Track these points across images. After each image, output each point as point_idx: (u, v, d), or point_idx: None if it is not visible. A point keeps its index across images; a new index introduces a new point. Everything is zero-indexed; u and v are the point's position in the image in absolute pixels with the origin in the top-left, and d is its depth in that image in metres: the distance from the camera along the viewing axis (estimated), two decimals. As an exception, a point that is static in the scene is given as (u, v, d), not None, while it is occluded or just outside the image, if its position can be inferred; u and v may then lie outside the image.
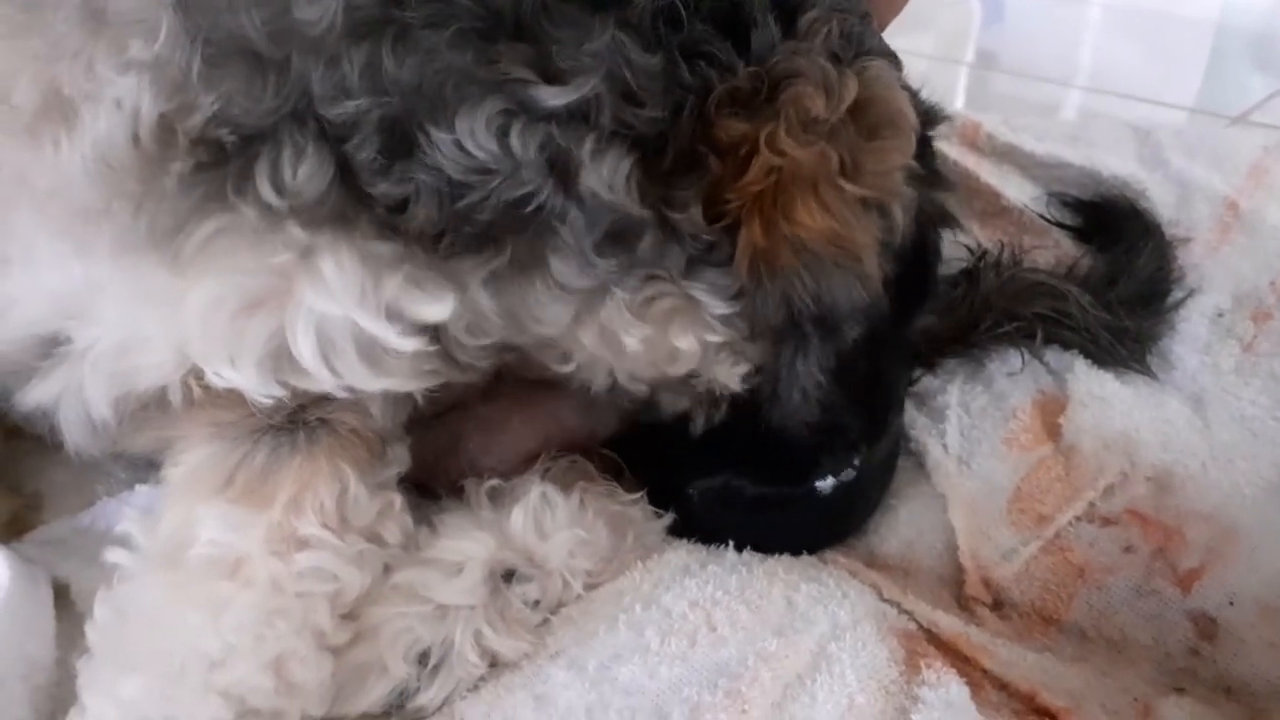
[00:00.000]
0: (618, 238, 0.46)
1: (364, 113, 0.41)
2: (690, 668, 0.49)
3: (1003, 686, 0.52)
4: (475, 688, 0.50)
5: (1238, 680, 0.56)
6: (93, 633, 0.48)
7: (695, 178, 0.47)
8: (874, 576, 0.60)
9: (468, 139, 0.42)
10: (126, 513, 0.57)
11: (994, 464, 0.67)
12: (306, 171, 0.41)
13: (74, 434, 0.51)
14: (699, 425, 0.61)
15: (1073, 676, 0.53)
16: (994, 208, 0.83)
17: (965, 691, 0.48)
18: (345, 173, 0.42)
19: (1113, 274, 0.75)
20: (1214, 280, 0.77)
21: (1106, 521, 0.63)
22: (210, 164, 0.42)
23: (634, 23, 0.43)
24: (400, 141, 0.42)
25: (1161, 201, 0.79)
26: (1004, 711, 0.50)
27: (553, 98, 0.42)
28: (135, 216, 0.43)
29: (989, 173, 0.84)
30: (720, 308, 0.50)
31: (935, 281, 0.58)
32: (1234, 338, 0.74)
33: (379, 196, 0.43)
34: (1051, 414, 0.69)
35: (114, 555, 0.49)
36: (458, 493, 0.59)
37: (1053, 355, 0.73)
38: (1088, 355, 0.72)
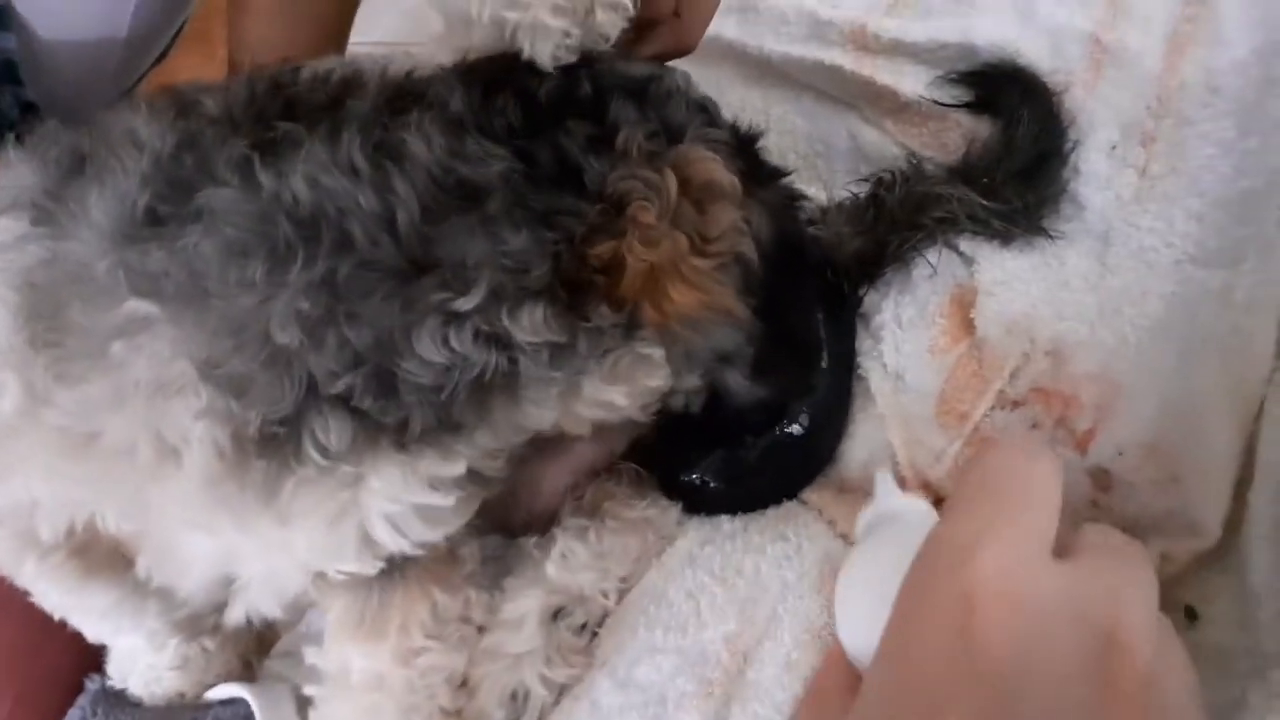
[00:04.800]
0: (561, 351, 0.63)
1: (354, 381, 0.60)
2: (682, 658, 0.67)
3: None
4: (558, 701, 0.72)
5: (1130, 519, 0.67)
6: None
7: (593, 294, 0.63)
8: (834, 510, 0.75)
9: (427, 354, 0.59)
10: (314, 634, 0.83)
11: (922, 374, 0.77)
12: (335, 435, 0.60)
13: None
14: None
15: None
16: (896, 105, 0.89)
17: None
18: (361, 418, 0.60)
19: (1000, 149, 0.81)
20: (1099, 117, 0.80)
21: (1015, 404, 0.73)
22: (274, 451, 0.61)
23: (496, 215, 0.60)
24: (387, 383, 0.60)
25: (1036, 55, 0.82)
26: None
27: (467, 303, 0.59)
28: (241, 496, 0.63)
29: (884, 71, 0.89)
30: (662, 352, 0.66)
31: (809, 245, 0.74)
32: (1129, 166, 0.79)
33: (390, 424, 0.61)
34: (965, 307, 0.78)
35: (309, 689, 0.75)
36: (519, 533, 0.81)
37: (965, 243, 0.81)
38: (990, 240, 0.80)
